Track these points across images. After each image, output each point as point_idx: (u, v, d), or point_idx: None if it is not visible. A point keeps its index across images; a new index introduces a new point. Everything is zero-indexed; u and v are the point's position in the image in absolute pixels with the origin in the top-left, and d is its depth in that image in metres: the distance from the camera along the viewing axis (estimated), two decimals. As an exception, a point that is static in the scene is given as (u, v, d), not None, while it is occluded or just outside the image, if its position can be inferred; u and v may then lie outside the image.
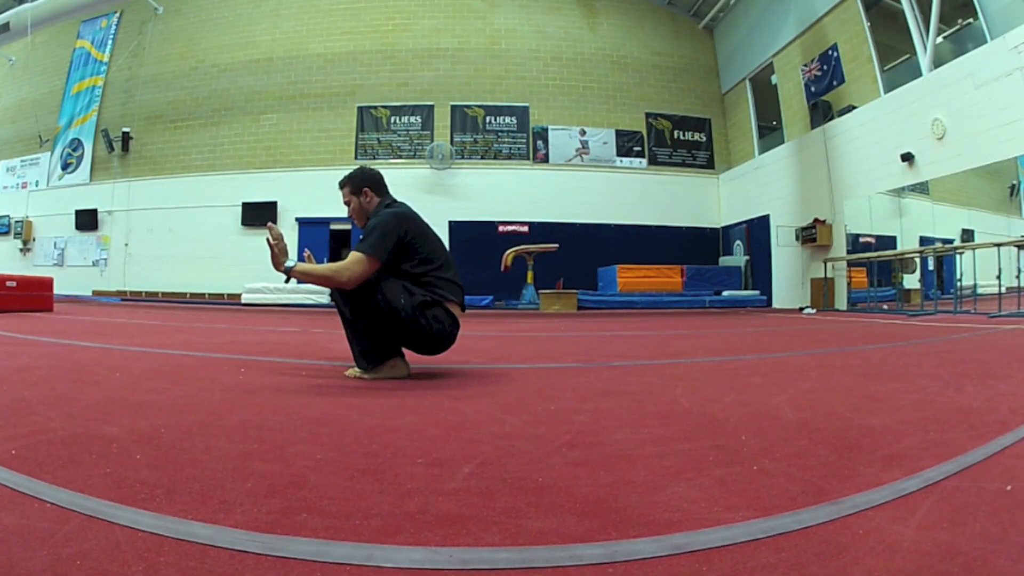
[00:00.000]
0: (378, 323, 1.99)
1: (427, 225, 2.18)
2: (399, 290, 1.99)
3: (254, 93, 12.73)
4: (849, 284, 9.33)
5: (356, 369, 2.12)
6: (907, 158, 7.94)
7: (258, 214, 12.33)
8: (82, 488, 0.87)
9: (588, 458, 1.09)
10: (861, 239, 9.37)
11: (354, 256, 1.96)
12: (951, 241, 8.58)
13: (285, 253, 1.96)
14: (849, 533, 0.74)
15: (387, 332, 2.02)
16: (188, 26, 13.39)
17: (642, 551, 0.69)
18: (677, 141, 12.93)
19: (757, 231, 11.53)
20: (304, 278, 1.98)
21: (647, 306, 10.19)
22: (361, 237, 2.04)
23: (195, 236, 12.49)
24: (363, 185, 2.20)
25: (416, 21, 12.72)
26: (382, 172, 2.31)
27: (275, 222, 12.13)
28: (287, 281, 2.04)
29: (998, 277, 6.63)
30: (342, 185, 2.24)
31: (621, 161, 12.66)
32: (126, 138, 13.10)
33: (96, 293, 12.82)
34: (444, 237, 12.40)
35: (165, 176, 12.96)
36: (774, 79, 11.61)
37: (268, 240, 1.96)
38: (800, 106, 10.72)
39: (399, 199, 2.24)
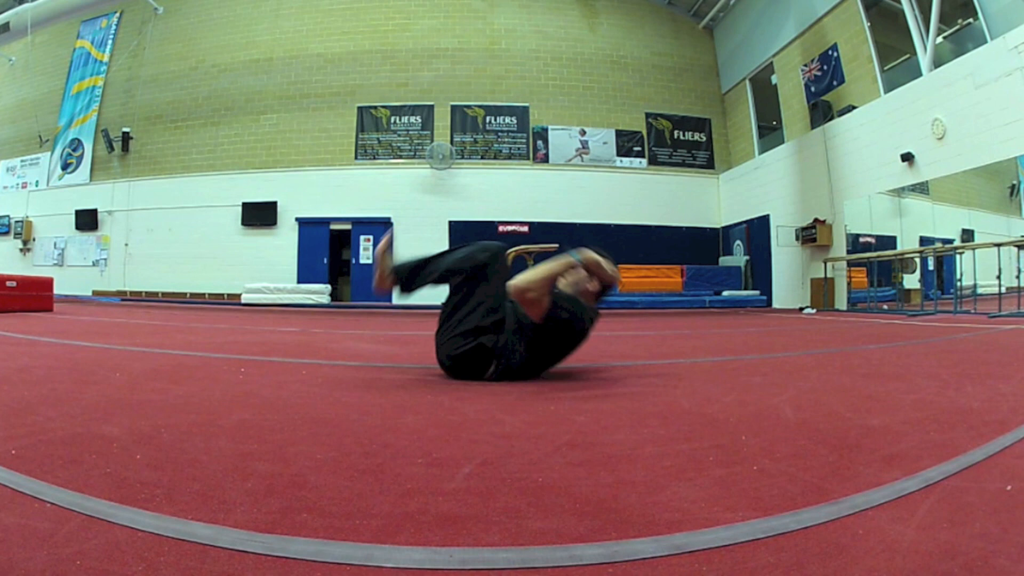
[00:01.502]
0: (455, 295, 2.04)
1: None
2: (485, 313, 2.01)
3: (254, 93, 12.73)
4: (849, 284, 9.33)
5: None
6: (907, 158, 7.94)
7: (258, 214, 12.34)
8: (82, 488, 0.87)
9: (588, 458, 1.09)
10: (861, 239, 9.38)
11: (547, 293, 1.97)
12: (951, 241, 8.58)
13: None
14: (849, 533, 0.74)
15: (449, 306, 2.06)
16: (188, 26, 13.39)
17: (642, 551, 0.69)
18: (677, 141, 12.93)
19: (757, 231, 11.54)
20: (549, 265, 1.96)
21: (647, 306, 10.19)
22: (559, 292, 2.04)
23: (195, 236, 12.50)
24: (600, 277, 2.15)
25: (416, 21, 12.72)
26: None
27: (275, 222, 12.23)
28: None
29: (998, 277, 6.63)
30: (597, 255, 2.18)
31: (621, 161, 12.67)
32: (126, 138, 13.10)
33: (96, 293, 12.83)
34: (444, 237, 12.57)
35: (165, 176, 12.97)
36: (774, 79, 11.61)
37: (608, 269, 2.05)
38: (800, 106, 10.73)
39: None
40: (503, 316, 1.99)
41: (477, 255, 2.03)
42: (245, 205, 12.37)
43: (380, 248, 2.13)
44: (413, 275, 2.11)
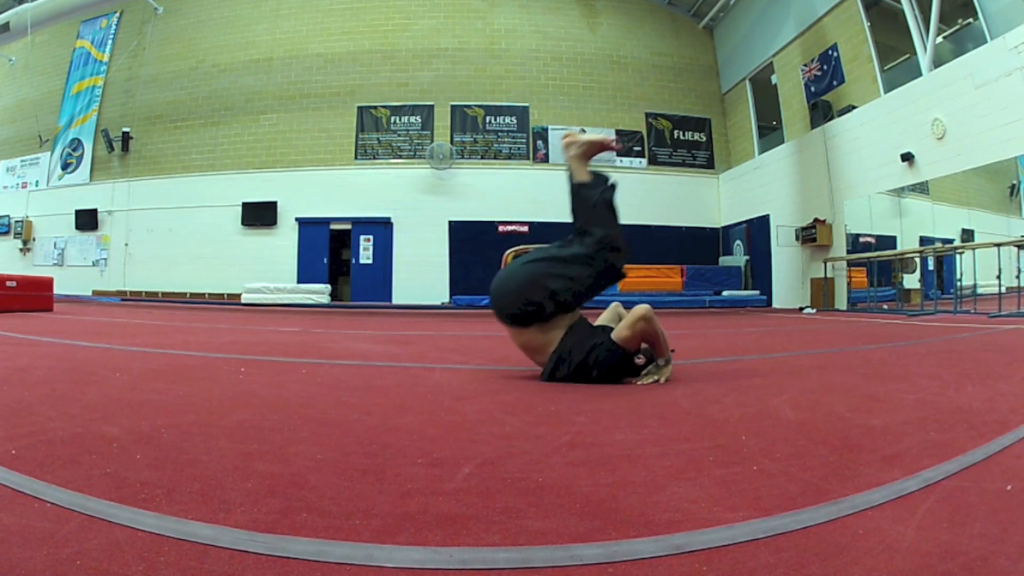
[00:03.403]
0: (553, 261, 2.08)
1: None
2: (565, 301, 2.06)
3: (254, 93, 12.73)
4: (849, 284, 9.33)
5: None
6: (907, 158, 7.94)
7: (258, 214, 12.34)
8: (82, 488, 0.87)
9: (588, 458, 1.09)
10: (861, 239, 9.37)
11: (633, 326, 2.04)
12: (951, 241, 8.58)
13: None
14: (849, 533, 0.74)
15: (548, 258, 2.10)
16: (188, 26, 13.39)
17: (642, 551, 0.69)
18: (677, 141, 12.93)
19: (757, 231, 11.53)
20: (659, 327, 2.06)
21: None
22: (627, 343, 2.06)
23: (195, 236, 12.50)
24: (649, 337, 2.15)
25: (416, 21, 12.72)
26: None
27: (275, 222, 12.23)
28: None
29: (998, 277, 6.63)
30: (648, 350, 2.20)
31: (621, 161, 12.66)
32: (126, 138, 13.10)
33: (96, 293, 12.82)
34: (444, 237, 12.57)
35: (165, 176, 12.96)
36: (774, 79, 11.61)
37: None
38: (800, 106, 10.72)
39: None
40: (577, 305, 2.07)
41: (618, 248, 2.09)
42: (245, 205, 12.37)
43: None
44: (601, 197, 2.10)
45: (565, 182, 2.17)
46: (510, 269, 2.11)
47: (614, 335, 2.01)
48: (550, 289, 2.00)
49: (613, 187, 2.14)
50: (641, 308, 2.02)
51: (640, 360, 2.09)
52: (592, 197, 2.09)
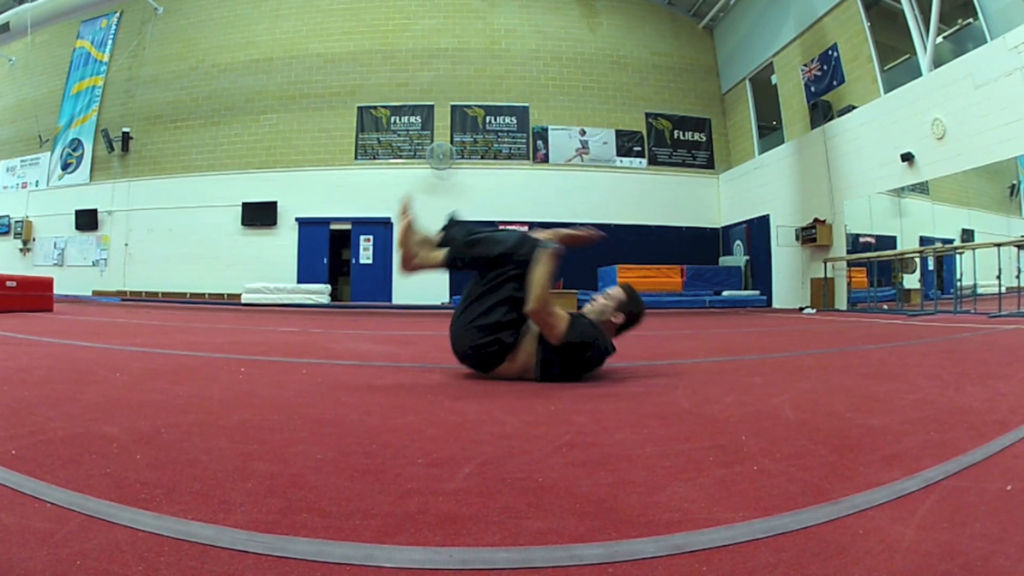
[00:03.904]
0: (482, 285, 2.04)
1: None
2: (508, 322, 2.01)
3: (254, 93, 12.73)
4: (849, 284, 9.33)
5: (416, 228, 2.22)
6: (907, 158, 7.94)
7: (258, 214, 12.34)
8: (82, 488, 0.87)
9: (588, 458, 1.09)
10: (861, 239, 9.38)
11: (563, 314, 1.98)
12: (951, 241, 8.58)
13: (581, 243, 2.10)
14: (849, 533, 0.74)
15: (477, 294, 2.06)
16: (188, 26, 13.39)
17: (642, 551, 0.69)
18: (677, 141, 12.93)
19: (757, 231, 11.54)
20: (546, 266, 1.96)
21: (647, 306, 10.16)
22: (580, 320, 2.05)
23: (195, 236, 12.50)
24: (627, 313, 2.18)
25: (416, 21, 12.72)
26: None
27: (275, 222, 12.22)
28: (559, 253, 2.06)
29: (998, 277, 6.63)
30: (626, 292, 2.21)
31: (621, 161, 12.67)
32: (126, 138, 13.10)
33: (96, 293, 12.82)
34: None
35: (165, 176, 12.97)
36: (774, 79, 11.61)
37: (588, 234, 2.11)
38: (800, 106, 10.73)
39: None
40: (525, 316, 2.02)
41: (525, 250, 2.02)
42: (245, 205, 12.37)
43: (403, 226, 2.10)
44: (463, 249, 2.08)
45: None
46: (453, 330, 2.08)
47: (556, 335, 1.97)
48: (493, 322, 1.97)
49: (452, 220, 2.15)
50: (531, 312, 1.97)
51: (618, 319, 2.15)
52: (457, 242, 2.10)
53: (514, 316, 1.99)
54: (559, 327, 1.94)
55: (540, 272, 1.93)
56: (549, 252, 1.96)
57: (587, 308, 2.21)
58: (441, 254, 2.12)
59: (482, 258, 2.05)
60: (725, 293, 11.01)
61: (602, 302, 2.19)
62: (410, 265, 2.16)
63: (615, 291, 2.21)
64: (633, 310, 2.19)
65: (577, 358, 2.02)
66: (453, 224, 2.17)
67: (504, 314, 1.98)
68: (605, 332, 2.12)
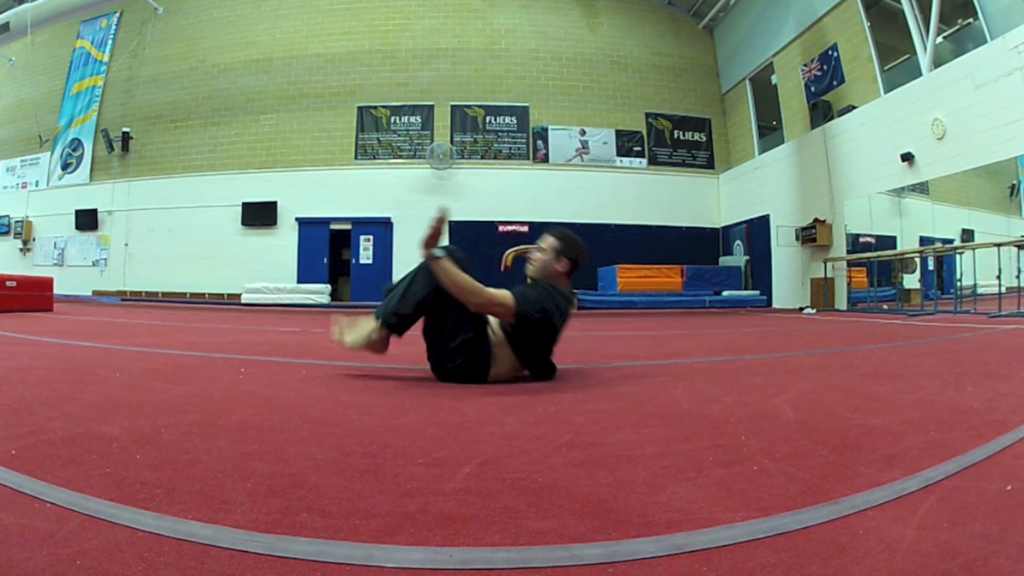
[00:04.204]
0: (431, 322, 2.00)
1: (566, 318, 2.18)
2: (480, 331, 1.99)
3: (254, 93, 12.73)
4: (849, 284, 9.33)
5: (348, 334, 2.14)
6: (907, 158, 7.94)
7: (258, 214, 12.34)
8: (82, 488, 0.87)
9: (588, 458, 1.09)
10: (861, 239, 9.38)
11: (504, 294, 1.94)
12: (951, 241, 8.58)
13: (439, 238, 1.98)
14: (849, 533, 0.74)
15: (429, 332, 2.03)
16: (188, 26, 13.39)
17: (642, 551, 0.69)
18: (677, 141, 12.93)
19: (757, 231, 11.54)
20: (440, 273, 1.91)
21: (647, 306, 10.19)
22: (524, 289, 2.03)
23: (195, 236, 12.50)
24: (568, 257, 2.15)
25: (416, 21, 12.72)
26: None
27: (275, 222, 12.23)
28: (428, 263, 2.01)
29: (998, 277, 6.63)
30: (555, 236, 2.18)
31: (621, 161, 12.66)
32: (126, 138, 13.10)
33: (96, 293, 12.82)
34: (444, 237, 12.43)
35: (165, 176, 12.97)
36: (774, 79, 11.61)
37: (436, 221, 1.97)
38: (800, 106, 10.72)
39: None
40: (484, 318, 2.01)
41: (427, 277, 1.99)
42: (245, 205, 12.37)
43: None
44: (401, 321, 2.05)
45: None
46: (434, 371, 2.07)
47: (509, 313, 1.94)
48: (458, 344, 1.96)
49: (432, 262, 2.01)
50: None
51: (563, 266, 2.14)
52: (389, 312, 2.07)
53: (471, 332, 1.98)
54: (507, 304, 1.92)
55: (448, 279, 1.90)
56: (435, 261, 1.92)
57: (530, 269, 2.18)
58: (378, 330, 2.08)
59: (412, 310, 2.01)
60: (725, 293, 11.01)
61: (540, 257, 2.16)
62: (379, 350, 2.12)
63: (548, 241, 2.18)
64: (571, 253, 2.16)
65: (545, 328, 2.01)
66: (386, 296, 2.12)
67: (464, 332, 1.97)
68: (556, 285, 2.11)
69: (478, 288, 1.91)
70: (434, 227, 1.96)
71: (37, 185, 14.06)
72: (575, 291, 2.17)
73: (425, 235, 1.96)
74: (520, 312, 1.93)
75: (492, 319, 2.03)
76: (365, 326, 2.12)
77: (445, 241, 2.13)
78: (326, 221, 12.21)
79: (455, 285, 1.90)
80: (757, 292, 11.24)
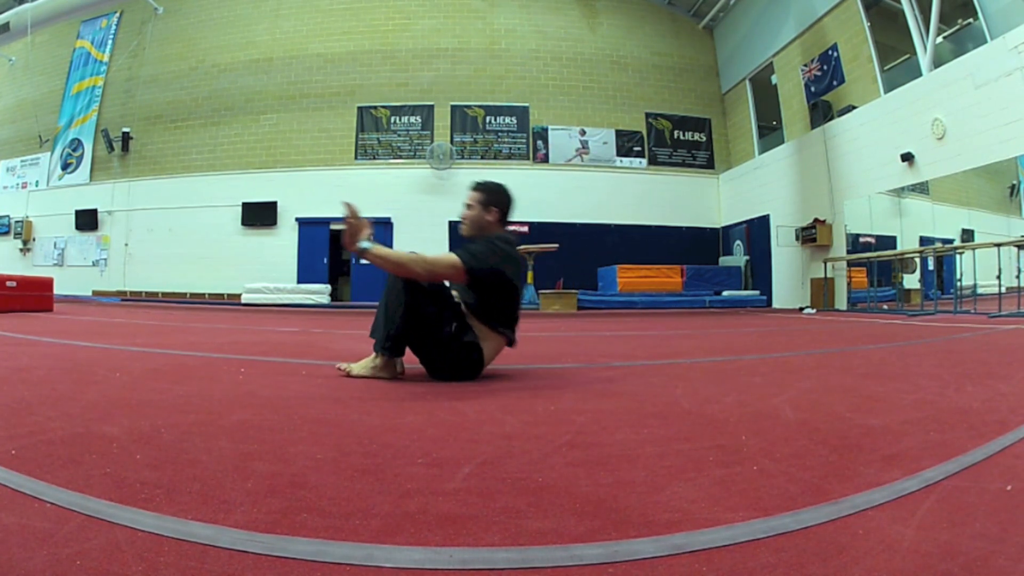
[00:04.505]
0: (418, 328, 1.99)
1: (521, 266, 2.16)
2: (458, 320, 1.99)
3: (254, 93, 12.73)
4: (849, 284, 9.33)
5: (348, 365, 2.14)
6: (907, 158, 7.94)
7: (258, 214, 12.34)
8: (82, 488, 0.87)
9: (588, 458, 1.09)
10: (861, 239, 9.37)
11: (449, 256, 1.93)
12: (951, 241, 8.58)
13: (363, 229, 1.93)
14: (849, 533, 0.74)
15: (416, 339, 2.03)
16: (188, 26, 13.39)
17: (642, 551, 0.69)
18: (677, 141, 12.93)
19: (757, 231, 11.53)
20: (378, 262, 1.91)
21: (647, 306, 10.18)
22: (466, 246, 2.02)
23: (195, 236, 12.50)
24: (496, 204, 2.15)
25: (416, 21, 12.72)
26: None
27: (275, 222, 12.22)
28: (357, 261, 2.02)
29: (998, 277, 6.63)
30: (476, 188, 2.17)
31: (621, 161, 12.66)
32: (126, 138, 13.09)
33: (96, 293, 12.82)
34: (444, 237, 12.58)
35: (165, 176, 12.97)
36: (774, 79, 11.61)
37: (346, 216, 1.92)
38: (800, 106, 10.72)
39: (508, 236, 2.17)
40: (457, 307, 2.01)
41: (393, 283, 1.99)
42: (245, 205, 12.36)
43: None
44: (396, 343, 2.04)
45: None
46: (432, 374, 2.08)
47: (459, 273, 1.94)
48: (448, 337, 1.97)
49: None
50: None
51: (493, 215, 2.15)
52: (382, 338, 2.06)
53: (455, 321, 1.98)
54: (455, 264, 1.91)
55: (387, 263, 1.90)
56: (364, 253, 1.91)
57: (463, 229, 2.18)
58: (381, 360, 2.07)
59: (400, 325, 1.99)
60: (725, 293, 11.00)
61: (469, 214, 2.15)
62: (391, 376, 2.09)
63: (472, 196, 2.17)
64: (498, 201, 2.16)
65: (502, 281, 2.00)
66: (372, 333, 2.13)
67: (447, 323, 1.97)
68: (496, 235, 2.11)
69: (420, 258, 1.91)
70: (349, 222, 1.93)
71: (37, 185, 14.06)
72: (510, 234, 2.17)
73: (344, 234, 1.94)
74: (470, 268, 1.92)
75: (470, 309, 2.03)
76: (368, 360, 2.11)
77: (445, 243, 2.12)
78: (326, 221, 12.20)
79: (398, 265, 1.90)
80: (757, 292, 11.24)
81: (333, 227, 12.23)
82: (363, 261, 2.06)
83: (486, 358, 2.05)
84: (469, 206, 2.16)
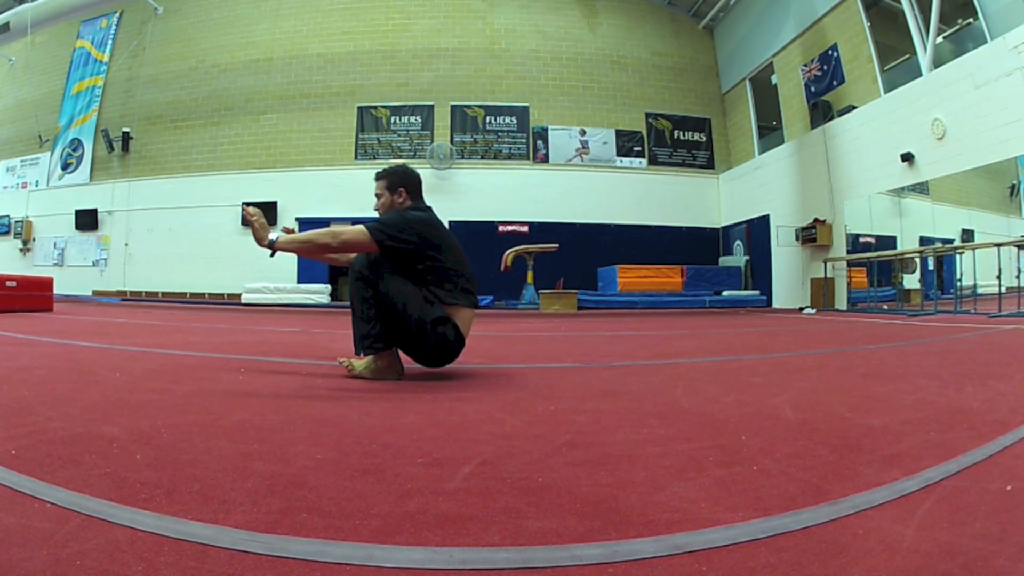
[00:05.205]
0: (389, 319, 1.99)
1: (449, 233, 2.16)
2: (419, 301, 1.98)
3: (254, 93, 12.73)
4: (849, 284, 9.33)
5: (350, 360, 2.14)
6: (907, 158, 7.94)
7: (258, 214, 12.33)
8: (82, 488, 0.87)
9: (588, 458, 1.09)
10: (861, 239, 9.37)
11: (358, 227, 1.96)
12: (951, 241, 8.58)
13: (266, 228, 1.98)
14: (849, 533, 0.74)
15: (392, 331, 2.02)
16: (188, 26, 13.39)
17: (642, 551, 0.69)
18: (677, 141, 12.93)
19: (757, 231, 11.53)
20: (291, 249, 1.96)
21: (647, 306, 10.18)
22: (378, 217, 2.05)
23: (195, 236, 12.50)
24: (401, 184, 2.18)
25: (416, 21, 12.72)
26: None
27: (275, 222, 12.22)
28: (272, 255, 2.05)
29: (998, 277, 6.63)
30: (379, 177, 2.20)
31: (621, 161, 12.66)
32: (126, 138, 13.10)
33: (96, 293, 12.82)
34: (272, 231, 12.39)
35: (165, 176, 12.97)
36: (774, 79, 11.61)
37: (247, 218, 2.01)
38: (800, 106, 10.72)
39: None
40: (417, 289, 2.00)
41: (362, 270, 1.99)
42: (245, 205, 12.36)
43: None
44: (380, 338, 2.03)
45: None
46: (418, 360, 2.09)
47: (371, 242, 1.97)
48: (433, 319, 1.98)
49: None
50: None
51: (402, 197, 2.19)
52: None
53: (431, 298, 1.99)
54: (362, 235, 1.95)
55: (302, 249, 2.03)
56: (276, 246, 1.99)
57: (382, 216, 2.19)
58: (372, 360, 2.08)
59: (376, 321, 1.99)
60: (725, 293, 11.01)
61: (381, 202, 2.19)
62: (392, 375, 2.09)
63: (377, 186, 2.21)
64: (402, 180, 2.19)
65: (424, 245, 2.00)
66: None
67: (424, 301, 1.98)
68: (404, 213, 2.11)
69: (330, 232, 1.94)
70: (252, 222, 2.01)
71: (37, 185, 14.06)
72: (429, 207, 2.19)
73: (253, 235, 2.01)
74: (380, 237, 1.94)
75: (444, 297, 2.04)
76: (369, 361, 2.10)
77: (276, 229, 2.13)
78: (326, 221, 12.19)
79: (313, 246, 1.96)
80: (757, 292, 11.24)
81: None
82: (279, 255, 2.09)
83: (462, 328, 2.04)
84: (378, 195, 2.20)
